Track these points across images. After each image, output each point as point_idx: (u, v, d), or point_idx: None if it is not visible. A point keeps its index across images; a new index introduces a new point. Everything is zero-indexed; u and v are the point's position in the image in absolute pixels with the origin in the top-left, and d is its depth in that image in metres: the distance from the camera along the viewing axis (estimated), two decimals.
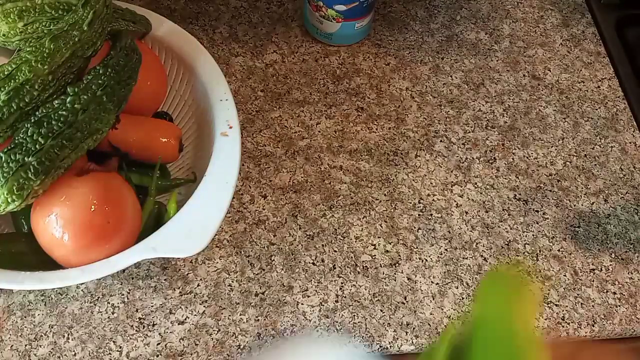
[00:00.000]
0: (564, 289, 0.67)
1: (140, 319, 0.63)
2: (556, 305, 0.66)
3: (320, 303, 0.64)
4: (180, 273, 0.65)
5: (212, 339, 0.62)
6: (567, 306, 0.66)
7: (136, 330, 0.62)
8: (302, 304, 0.64)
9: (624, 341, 0.66)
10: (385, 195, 0.72)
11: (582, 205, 0.73)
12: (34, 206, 0.58)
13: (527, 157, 0.76)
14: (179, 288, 0.64)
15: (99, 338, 0.61)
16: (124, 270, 0.64)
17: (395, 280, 0.66)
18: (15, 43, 0.63)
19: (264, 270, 0.66)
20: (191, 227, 0.58)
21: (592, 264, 0.69)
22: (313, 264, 0.67)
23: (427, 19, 0.88)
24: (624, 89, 0.83)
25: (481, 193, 0.73)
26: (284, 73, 0.81)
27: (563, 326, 0.64)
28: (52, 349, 0.61)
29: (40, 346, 0.61)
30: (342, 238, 0.69)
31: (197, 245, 0.57)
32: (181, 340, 0.62)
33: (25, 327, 0.62)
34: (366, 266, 0.67)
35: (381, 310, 0.64)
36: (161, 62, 0.70)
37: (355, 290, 0.65)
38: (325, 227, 0.69)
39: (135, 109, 0.64)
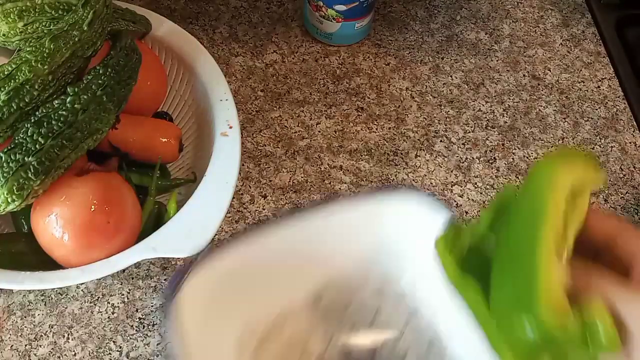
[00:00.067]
0: None
1: (140, 319, 0.63)
2: None
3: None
4: None
5: None
6: None
7: (136, 330, 0.62)
8: None
9: None
10: None
11: None
12: (34, 206, 0.58)
13: (527, 157, 0.76)
14: None
15: (99, 338, 0.61)
16: (124, 270, 0.64)
17: None
18: (15, 43, 0.63)
19: None
20: (191, 227, 0.58)
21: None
22: None
23: (427, 19, 0.88)
24: (624, 89, 0.83)
25: (481, 193, 0.73)
26: (284, 73, 0.81)
27: None
28: (52, 349, 0.61)
29: (40, 346, 0.61)
30: None
31: (197, 245, 0.57)
32: None
33: (25, 327, 0.62)
34: None
35: None
36: (161, 62, 0.70)
37: None
38: None
39: (135, 109, 0.64)
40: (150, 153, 0.65)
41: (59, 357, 0.60)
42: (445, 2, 0.90)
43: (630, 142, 0.78)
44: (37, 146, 0.54)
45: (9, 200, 0.54)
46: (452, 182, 0.73)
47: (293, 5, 0.88)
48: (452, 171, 0.74)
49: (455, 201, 0.72)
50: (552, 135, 0.78)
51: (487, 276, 0.37)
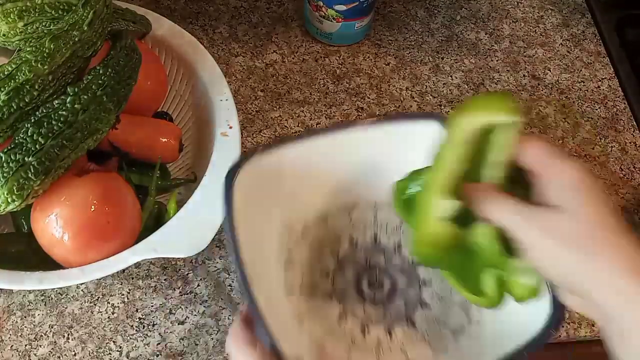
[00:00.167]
0: None
1: (140, 319, 0.63)
2: None
3: None
4: (180, 273, 0.65)
5: (212, 339, 0.62)
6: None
7: (136, 330, 0.62)
8: None
9: None
10: None
11: None
12: (34, 206, 0.58)
13: None
14: (179, 288, 0.64)
15: (99, 338, 0.61)
16: (124, 270, 0.64)
17: None
18: (15, 43, 0.63)
19: None
20: (191, 227, 0.58)
21: None
22: None
23: (427, 19, 0.88)
24: (624, 89, 0.83)
25: None
26: (284, 73, 0.81)
27: (563, 326, 0.64)
28: (52, 349, 0.61)
29: (40, 346, 0.61)
30: None
31: (197, 245, 0.57)
32: (181, 340, 0.62)
33: (25, 327, 0.62)
34: None
35: None
36: (161, 62, 0.70)
37: None
38: None
39: (135, 109, 0.64)
40: (150, 153, 0.65)
41: (59, 357, 0.60)
42: (445, 2, 0.90)
43: (630, 142, 0.78)
44: (37, 146, 0.54)
45: (9, 200, 0.54)
46: None
47: (293, 5, 0.88)
48: None
49: None
50: (552, 135, 0.78)
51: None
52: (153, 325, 0.62)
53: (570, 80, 0.84)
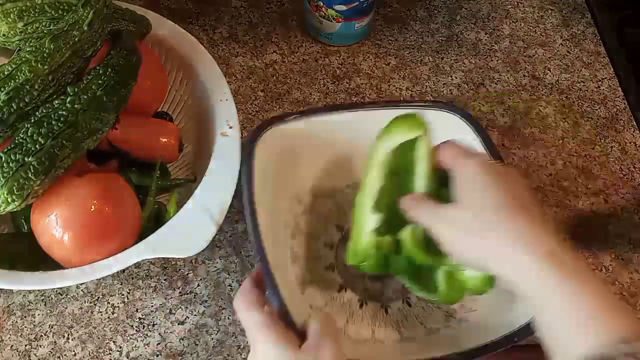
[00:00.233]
0: None
1: (140, 319, 0.63)
2: None
3: None
4: (180, 273, 0.65)
5: (212, 339, 0.62)
6: None
7: (136, 330, 0.62)
8: None
9: None
10: None
11: (582, 205, 0.73)
12: (34, 206, 0.58)
13: (527, 157, 0.76)
14: (179, 288, 0.64)
15: (99, 338, 0.61)
16: (124, 270, 0.64)
17: None
18: (15, 43, 0.63)
19: None
20: (191, 227, 0.58)
21: (592, 264, 0.69)
22: None
23: (427, 19, 0.88)
24: (624, 89, 0.83)
25: None
26: (284, 73, 0.81)
27: None
28: (52, 349, 0.61)
29: (40, 346, 0.61)
30: None
31: (197, 245, 0.57)
32: (181, 340, 0.62)
33: (25, 327, 0.62)
34: None
35: None
36: (161, 62, 0.70)
37: None
38: None
39: (135, 109, 0.64)
40: (150, 153, 0.65)
41: (59, 357, 0.60)
42: (445, 2, 0.90)
43: (630, 142, 0.78)
44: (37, 146, 0.54)
45: (9, 200, 0.54)
46: None
47: (293, 5, 0.88)
48: None
49: None
50: (552, 135, 0.78)
51: None
52: (153, 325, 0.62)
53: (570, 80, 0.84)
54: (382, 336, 0.59)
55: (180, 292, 0.64)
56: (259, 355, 0.47)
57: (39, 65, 0.55)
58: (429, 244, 0.50)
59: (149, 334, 0.62)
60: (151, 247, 0.57)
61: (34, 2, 0.62)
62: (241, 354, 0.61)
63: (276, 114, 0.77)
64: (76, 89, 0.57)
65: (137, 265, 0.65)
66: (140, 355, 0.61)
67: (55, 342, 0.61)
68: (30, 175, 0.53)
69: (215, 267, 0.66)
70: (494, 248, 0.45)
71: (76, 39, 0.58)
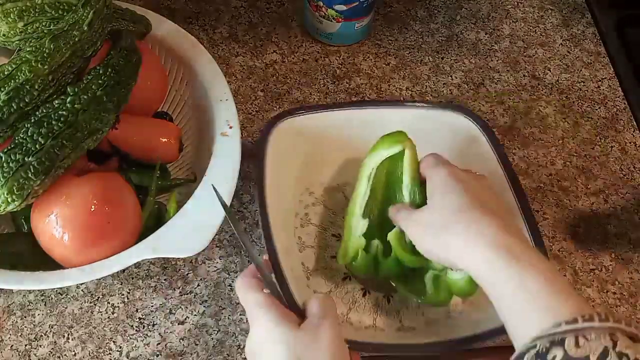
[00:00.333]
0: None
1: (140, 319, 0.63)
2: None
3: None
4: (180, 273, 0.65)
5: (212, 339, 0.62)
6: None
7: (136, 330, 0.62)
8: None
9: None
10: None
11: (582, 205, 0.73)
12: (34, 206, 0.58)
13: (527, 157, 0.76)
14: (179, 288, 0.64)
15: (99, 338, 0.61)
16: (124, 270, 0.64)
17: None
18: (15, 43, 0.63)
19: None
20: (191, 227, 0.58)
21: (592, 264, 0.69)
22: None
23: (427, 19, 0.88)
24: (624, 89, 0.83)
25: None
26: (284, 73, 0.81)
27: None
28: (52, 349, 0.61)
29: (40, 346, 0.61)
30: None
31: (197, 245, 0.57)
32: (181, 340, 0.62)
33: (25, 327, 0.62)
34: None
35: None
36: (161, 62, 0.70)
37: None
38: None
39: (135, 109, 0.64)
40: (150, 153, 0.65)
41: (59, 357, 0.60)
42: (445, 2, 0.90)
43: (630, 142, 0.78)
44: (37, 146, 0.54)
45: (9, 200, 0.54)
46: None
47: (293, 5, 0.88)
48: None
49: None
50: (552, 135, 0.78)
51: None
52: (153, 325, 0.62)
53: (570, 80, 0.84)
54: (383, 324, 0.61)
55: (180, 292, 0.64)
56: (260, 333, 0.48)
57: (39, 65, 0.55)
58: (414, 246, 0.55)
59: (149, 334, 0.62)
60: (151, 247, 0.57)
61: (34, 2, 0.62)
62: (241, 354, 0.61)
63: (276, 113, 0.77)
64: (76, 89, 0.57)
65: (137, 265, 0.65)
66: (140, 355, 0.61)
67: (55, 342, 0.61)
68: (30, 175, 0.54)
69: (215, 267, 0.66)
70: (454, 244, 0.50)
71: (76, 39, 0.58)
